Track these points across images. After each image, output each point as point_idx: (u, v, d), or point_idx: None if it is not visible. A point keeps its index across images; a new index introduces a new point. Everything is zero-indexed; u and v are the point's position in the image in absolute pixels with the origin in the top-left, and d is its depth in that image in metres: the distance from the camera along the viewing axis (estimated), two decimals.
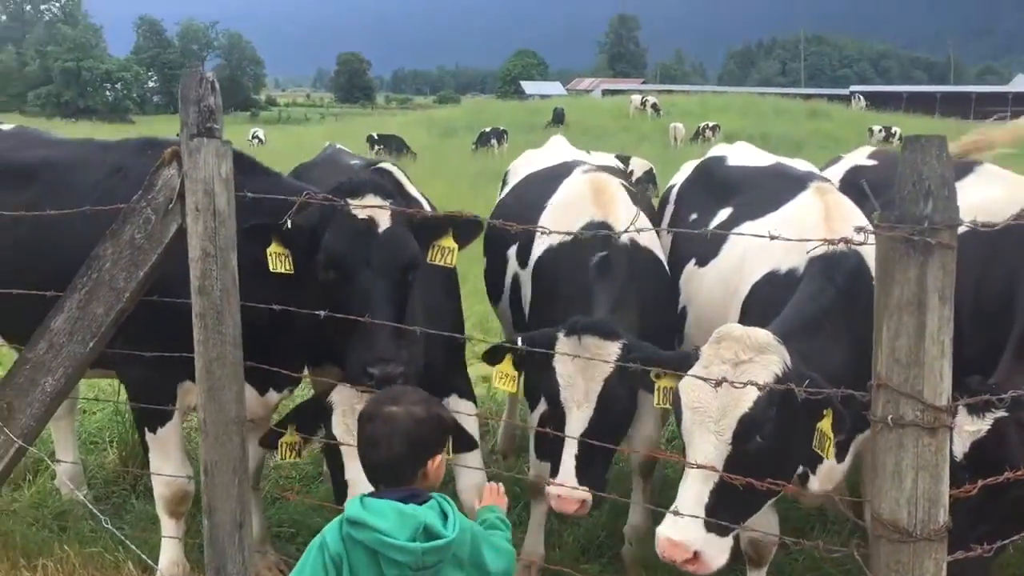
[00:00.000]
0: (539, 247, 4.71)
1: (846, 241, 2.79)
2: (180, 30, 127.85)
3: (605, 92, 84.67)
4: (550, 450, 3.94)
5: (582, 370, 3.79)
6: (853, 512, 2.58)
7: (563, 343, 3.85)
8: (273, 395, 4.31)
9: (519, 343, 3.97)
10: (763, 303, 3.94)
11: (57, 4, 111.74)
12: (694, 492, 3.13)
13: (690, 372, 3.28)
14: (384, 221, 3.71)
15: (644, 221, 4.52)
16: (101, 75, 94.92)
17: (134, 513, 5.21)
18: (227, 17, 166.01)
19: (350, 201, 3.68)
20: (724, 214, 4.80)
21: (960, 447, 3.18)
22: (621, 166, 6.86)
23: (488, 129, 38.01)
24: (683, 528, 3.09)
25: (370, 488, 2.76)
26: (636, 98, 54.10)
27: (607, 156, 6.90)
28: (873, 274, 2.95)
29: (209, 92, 3.35)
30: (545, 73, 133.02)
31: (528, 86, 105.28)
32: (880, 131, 43.90)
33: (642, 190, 5.78)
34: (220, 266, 3.33)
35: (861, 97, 64.79)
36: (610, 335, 3.83)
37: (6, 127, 5.38)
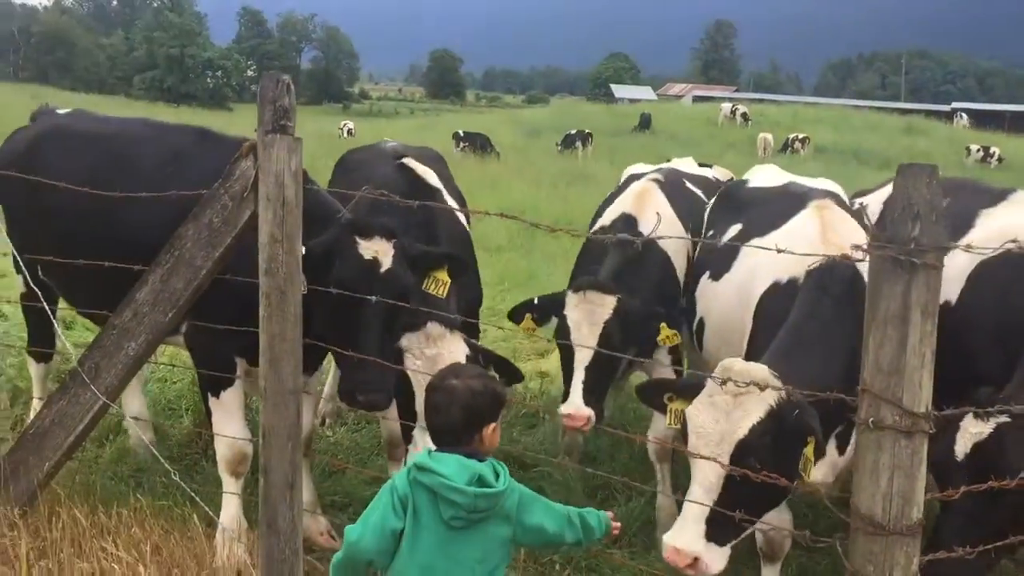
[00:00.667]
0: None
1: (843, 257, 3.01)
2: (280, 21, 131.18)
3: (696, 99, 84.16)
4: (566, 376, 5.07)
5: (587, 316, 4.96)
6: (838, 507, 2.80)
7: (571, 297, 5.05)
8: (311, 378, 4.94)
9: (535, 302, 5.27)
10: (768, 313, 4.34)
11: None
12: (695, 509, 3.49)
13: (698, 398, 3.66)
14: (387, 261, 4.31)
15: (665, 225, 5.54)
16: (203, 62, 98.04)
17: (204, 474, 5.63)
18: (326, 10, 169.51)
19: (359, 240, 4.27)
20: (734, 230, 5.22)
21: (962, 448, 3.42)
22: (705, 173, 7.42)
23: (573, 131, 38.27)
24: (685, 537, 3.47)
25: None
26: (726, 106, 53.70)
27: (688, 161, 7.90)
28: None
29: (284, 93, 3.70)
30: (636, 77, 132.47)
31: (618, 90, 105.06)
32: (978, 151, 42.72)
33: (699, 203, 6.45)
34: (286, 251, 3.68)
35: (964, 115, 62.76)
36: (607, 290, 5.00)
37: (63, 111, 5.91)
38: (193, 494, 4.52)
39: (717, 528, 3.47)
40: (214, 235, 3.92)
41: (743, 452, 3.46)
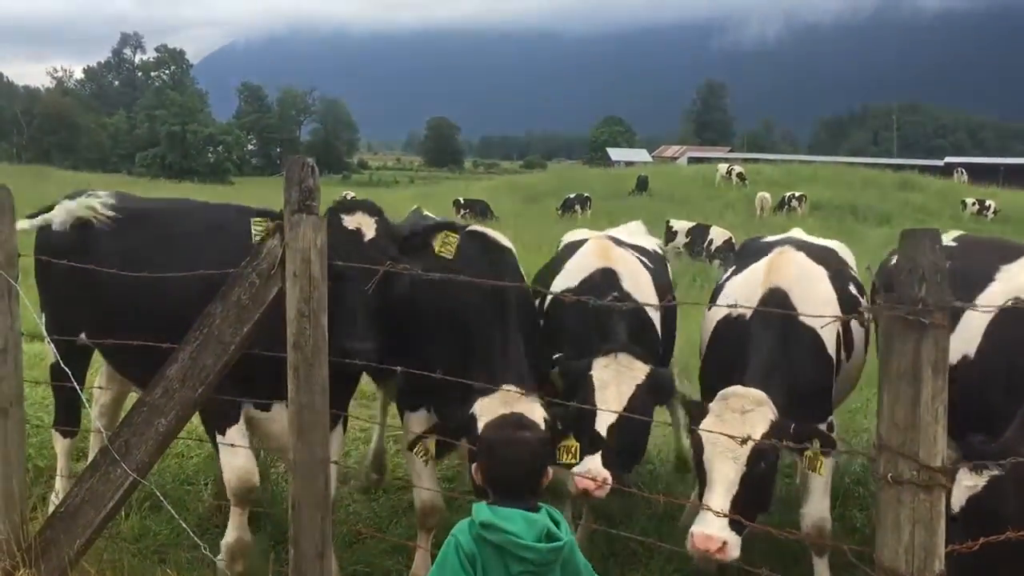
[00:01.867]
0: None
1: (857, 318, 3.14)
2: (280, 96, 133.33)
3: (691, 160, 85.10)
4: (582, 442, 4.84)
5: (616, 376, 4.87)
6: (861, 560, 2.88)
7: (599, 361, 4.92)
8: None
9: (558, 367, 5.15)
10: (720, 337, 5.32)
11: (167, 71, 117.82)
12: (719, 501, 4.27)
13: (705, 419, 4.51)
14: (369, 232, 4.71)
15: (646, 282, 5.74)
16: (204, 138, 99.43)
17: None
18: (324, 82, 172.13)
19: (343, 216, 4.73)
20: (731, 271, 5.99)
21: (957, 500, 3.57)
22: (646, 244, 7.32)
23: (572, 196, 38.76)
24: (713, 526, 4.19)
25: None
26: (722, 167, 54.25)
27: (684, 224, 7.86)
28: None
29: (309, 175, 3.87)
30: (632, 140, 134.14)
31: (614, 153, 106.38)
32: (974, 204, 43.10)
33: (662, 264, 6.63)
34: (313, 325, 3.81)
35: (964, 171, 63.15)
36: (640, 356, 4.97)
37: (102, 192, 6.14)
38: (219, 563, 4.58)
39: (735, 520, 4.21)
40: (242, 312, 4.05)
41: (758, 455, 4.34)
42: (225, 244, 4.94)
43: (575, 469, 4.70)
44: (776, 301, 4.96)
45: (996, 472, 3.51)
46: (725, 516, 4.20)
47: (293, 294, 3.83)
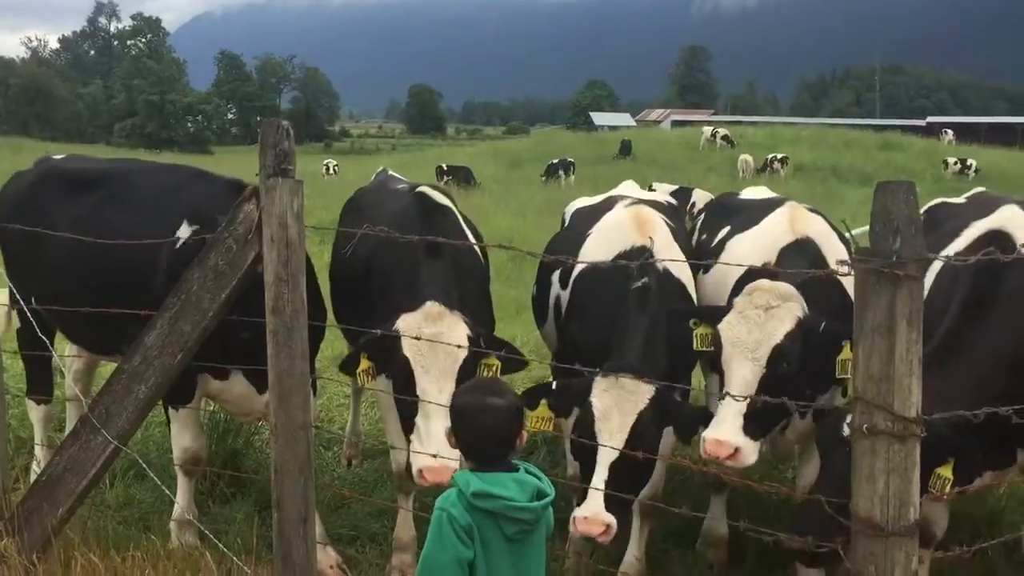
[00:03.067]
0: (577, 268, 5.19)
1: (829, 274, 3.15)
2: (259, 64, 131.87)
3: (674, 123, 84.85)
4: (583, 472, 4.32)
5: (617, 403, 4.19)
6: (837, 511, 2.91)
7: (599, 382, 4.25)
8: (266, 397, 4.87)
9: (553, 387, 4.48)
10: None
11: (143, 40, 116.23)
12: (735, 405, 4.07)
13: (727, 316, 4.28)
14: None
15: (677, 253, 5.04)
16: (183, 108, 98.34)
17: (210, 515, 5.72)
18: (304, 50, 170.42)
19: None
20: (724, 231, 5.66)
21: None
22: (673, 202, 7.17)
23: (556, 161, 38.57)
24: (726, 430, 4.05)
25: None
26: (707, 130, 54.15)
27: (667, 187, 7.61)
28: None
29: (284, 138, 3.84)
30: (615, 104, 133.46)
31: (597, 117, 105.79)
32: (955, 163, 43.23)
33: (684, 227, 6.26)
34: (291, 289, 3.80)
35: (950, 132, 63.00)
36: (644, 378, 4.22)
37: (59, 156, 6.18)
38: (204, 531, 4.60)
39: (751, 425, 4.07)
40: (220, 278, 4.03)
41: (779, 355, 4.12)
42: (176, 207, 5.02)
43: (576, 512, 4.11)
44: (811, 251, 4.72)
45: None
46: (740, 422, 4.04)
47: (271, 259, 3.82)
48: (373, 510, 5.82)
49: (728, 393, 4.15)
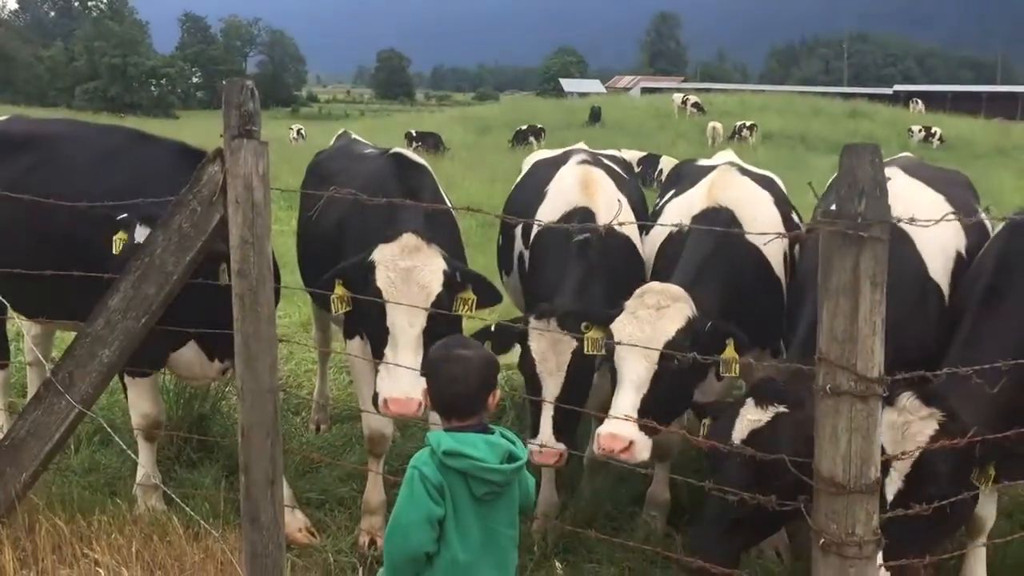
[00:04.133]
0: (535, 228, 5.49)
1: (794, 236, 3.18)
2: (224, 27, 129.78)
3: (644, 90, 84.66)
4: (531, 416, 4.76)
5: (552, 345, 4.58)
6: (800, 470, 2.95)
7: (535, 325, 4.64)
8: (218, 363, 5.14)
9: (493, 329, 4.76)
10: (665, 252, 5.20)
11: (104, 1, 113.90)
12: (628, 400, 4.24)
13: (620, 316, 4.40)
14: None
15: (626, 211, 5.31)
16: (146, 71, 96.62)
17: (177, 479, 5.70)
18: (270, 14, 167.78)
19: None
20: (668, 196, 5.93)
21: (739, 433, 3.91)
22: (625, 157, 7.35)
23: (525, 127, 38.39)
24: (620, 426, 4.18)
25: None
26: (678, 97, 54.14)
27: (635, 154, 7.76)
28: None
29: (249, 98, 3.77)
30: (585, 71, 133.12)
31: (567, 84, 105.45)
32: (920, 131, 43.62)
33: (636, 182, 6.46)
34: (257, 252, 3.75)
35: (919, 101, 63.29)
36: (575, 325, 4.55)
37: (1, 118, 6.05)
38: (172, 495, 4.59)
39: (645, 418, 4.20)
40: (184, 240, 3.98)
41: (671, 351, 4.25)
42: (116, 173, 4.96)
43: (530, 443, 4.46)
44: (721, 218, 4.90)
45: (780, 409, 3.87)
46: (634, 416, 4.18)
47: (236, 221, 3.77)
48: (342, 474, 5.83)
49: (621, 386, 4.34)
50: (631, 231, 5.33)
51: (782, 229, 5.19)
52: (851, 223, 2.69)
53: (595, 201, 5.32)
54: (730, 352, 4.33)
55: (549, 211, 5.50)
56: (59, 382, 4.20)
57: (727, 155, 6.73)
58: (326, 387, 7.16)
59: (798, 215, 5.77)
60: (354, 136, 7.75)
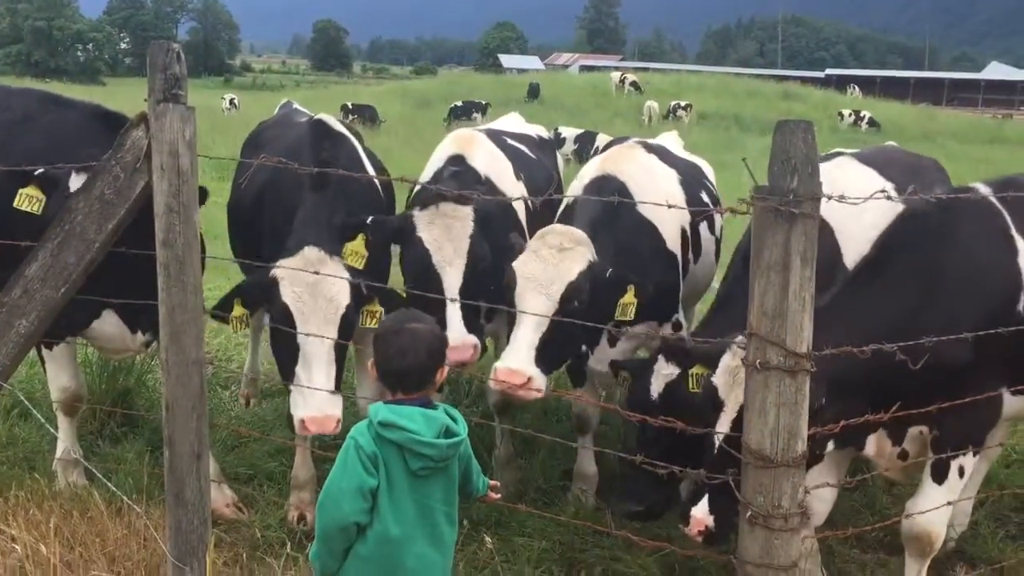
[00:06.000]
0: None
1: (731, 211, 3.17)
2: None
3: (583, 68, 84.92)
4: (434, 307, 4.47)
5: (446, 233, 4.54)
6: (729, 444, 2.99)
7: (420, 216, 4.59)
8: (141, 336, 4.98)
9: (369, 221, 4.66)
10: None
11: None
12: (527, 337, 4.23)
13: (521, 255, 4.42)
14: None
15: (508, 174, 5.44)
16: (72, 35, 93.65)
17: (100, 454, 5.56)
18: None
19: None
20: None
21: (656, 388, 4.31)
22: (545, 136, 7.22)
23: (461, 103, 38.04)
24: (519, 359, 4.18)
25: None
26: (615, 75, 54.32)
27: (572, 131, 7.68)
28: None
29: (175, 61, 3.64)
30: (524, 47, 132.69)
31: (506, 59, 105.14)
32: (850, 115, 44.46)
33: (547, 159, 6.55)
34: (183, 221, 3.64)
35: (856, 87, 64.28)
36: (463, 200, 4.59)
37: None
38: (95, 471, 4.47)
39: (543, 357, 4.22)
40: (106, 207, 3.84)
41: (572, 292, 4.28)
42: (28, 137, 4.75)
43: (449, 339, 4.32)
44: (609, 187, 4.89)
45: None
46: (532, 353, 4.18)
47: (161, 188, 3.65)
48: (270, 449, 5.74)
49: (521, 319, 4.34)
50: (518, 204, 5.33)
51: (681, 204, 5.18)
52: (783, 199, 2.70)
53: (471, 151, 5.28)
54: (629, 298, 4.39)
55: (428, 169, 5.40)
56: None
57: (671, 136, 6.79)
58: (257, 361, 7.03)
59: (713, 199, 5.82)
60: (296, 106, 7.61)
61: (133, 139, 3.77)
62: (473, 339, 4.46)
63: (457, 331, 4.42)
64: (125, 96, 33.72)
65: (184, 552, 3.72)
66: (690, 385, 4.06)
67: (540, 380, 4.20)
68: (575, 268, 4.33)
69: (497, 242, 4.72)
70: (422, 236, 4.57)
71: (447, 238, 4.55)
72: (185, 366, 3.70)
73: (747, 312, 2.80)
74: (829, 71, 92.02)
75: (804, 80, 69.17)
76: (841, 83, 68.91)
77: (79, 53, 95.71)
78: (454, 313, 4.48)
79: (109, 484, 4.33)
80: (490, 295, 4.66)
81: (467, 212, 4.61)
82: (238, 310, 4.44)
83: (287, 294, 4.29)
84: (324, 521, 2.97)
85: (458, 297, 4.51)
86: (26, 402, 4.61)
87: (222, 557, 4.53)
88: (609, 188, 4.87)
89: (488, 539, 4.29)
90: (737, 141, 31.37)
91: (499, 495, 3.47)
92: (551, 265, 4.32)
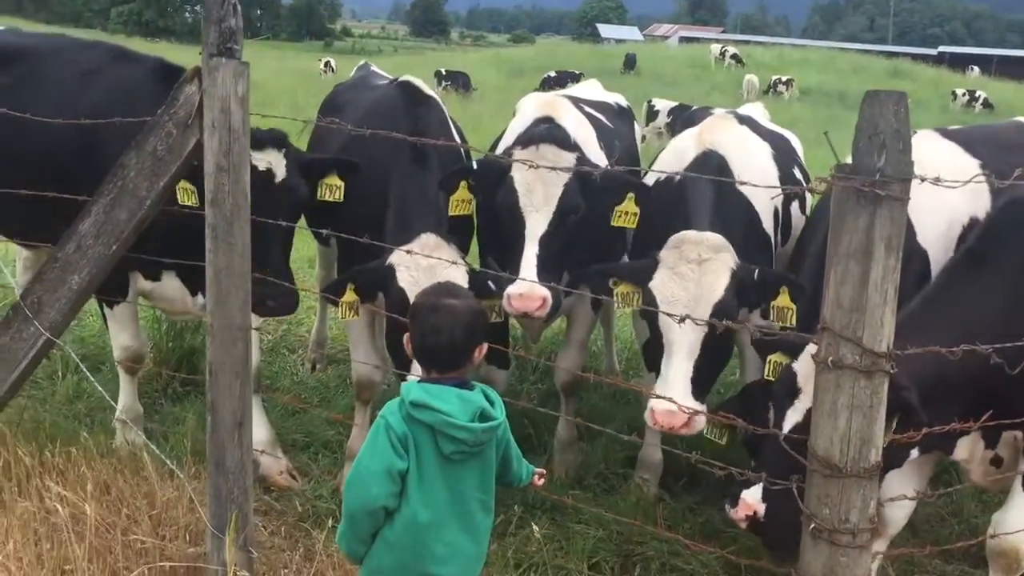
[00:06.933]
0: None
1: (809, 190, 2.89)
2: None
3: (682, 40, 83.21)
4: (510, 259, 4.29)
5: (541, 177, 4.18)
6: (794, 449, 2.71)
7: (520, 154, 4.26)
8: (200, 298, 4.83)
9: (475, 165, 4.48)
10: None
11: None
12: (681, 370, 3.87)
13: (657, 273, 3.98)
14: (280, 172, 4.38)
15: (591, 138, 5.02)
16: None
17: (162, 413, 5.55)
18: None
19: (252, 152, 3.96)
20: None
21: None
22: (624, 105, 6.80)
23: (554, 73, 37.45)
24: (678, 397, 3.75)
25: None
26: (715, 48, 53.04)
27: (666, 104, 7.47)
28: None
29: (231, 13, 3.50)
30: (623, 17, 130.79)
31: (604, 29, 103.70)
32: (964, 95, 42.46)
33: (626, 130, 6.07)
34: (232, 180, 3.51)
35: (976, 68, 61.20)
36: (566, 145, 4.33)
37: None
38: (139, 434, 4.43)
39: (699, 387, 3.88)
40: (158, 164, 3.74)
41: (721, 311, 3.83)
42: (96, 91, 4.72)
43: (509, 289, 4.10)
44: (711, 164, 4.50)
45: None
46: (688, 387, 3.83)
47: (211, 146, 3.52)
48: (330, 417, 5.66)
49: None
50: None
51: (775, 182, 4.85)
52: (868, 179, 2.40)
53: (559, 114, 4.89)
54: (784, 300, 3.88)
55: (511, 132, 5.06)
56: (28, 307, 4.00)
57: (757, 107, 6.42)
58: (325, 326, 6.96)
59: (805, 175, 5.44)
60: (373, 68, 7.48)
61: (186, 94, 3.65)
62: (543, 291, 4.05)
63: (529, 275, 4.11)
64: None
65: (223, 521, 3.62)
66: (767, 372, 3.71)
67: (701, 416, 3.80)
68: (720, 283, 3.92)
69: (593, 207, 4.40)
70: (514, 176, 4.27)
71: (540, 181, 4.22)
72: (230, 330, 3.58)
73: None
74: (942, 48, 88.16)
75: (915, 58, 66.33)
76: (955, 61, 65.74)
77: (187, 14, 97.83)
78: (529, 258, 4.15)
79: (153, 447, 4.27)
80: (577, 261, 4.40)
81: (568, 159, 4.30)
82: (349, 295, 4.31)
83: (404, 279, 4.14)
84: (351, 503, 2.81)
85: (538, 244, 4.16)
86: (74, 356, 4.59)
87: (270, 526, 4.47)
88: (712, 165, 4.49)
89: (535, 528, 4.09)
90: (840, 119, 30.16)
91: (543, 482, 3.26)
92: (693, 284, 3.91)
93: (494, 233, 4.67)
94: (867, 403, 2.48)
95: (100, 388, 4.26)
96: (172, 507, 4.14)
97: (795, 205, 5.14)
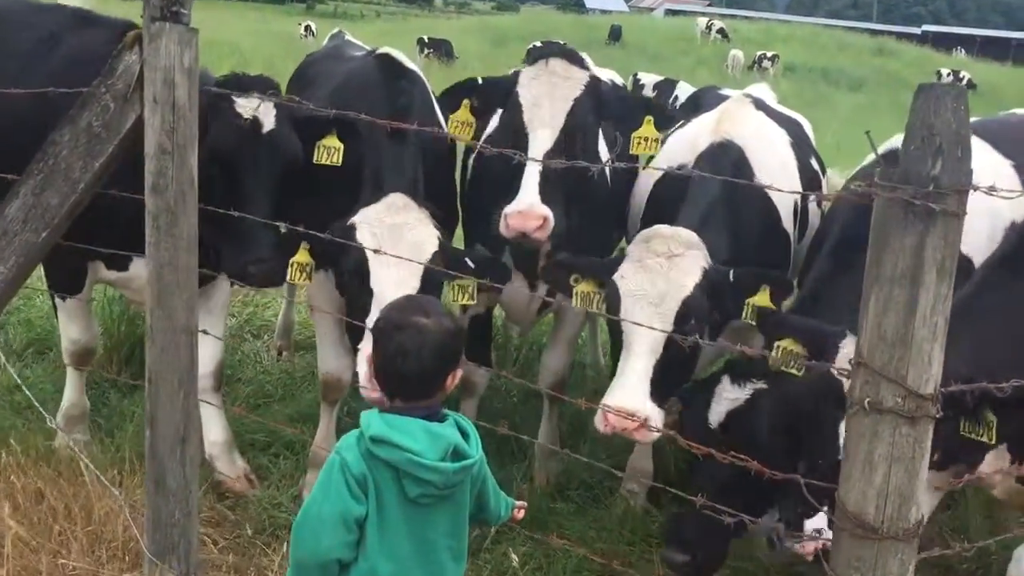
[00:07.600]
0: None
1: (847, 197, 2.51)
2: None
3: (668, 12, 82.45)
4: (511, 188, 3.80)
5: (549, 91, 3.82)
6: (817, 499, 2.35)
7: (525, 72, 3.91)
8: None
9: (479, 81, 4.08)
10: (659, 195, 4.33)
11: None
12: (638, 367, 3.53)
13: (622, 265, 3.68)
14: (268, 121, 3.84)
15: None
16: None
17: (110, 407, 5.14)
18: None
19: (235, 99, 3.68)
20: (676, 127, 4.92)
21: (716, 415, 3.51)
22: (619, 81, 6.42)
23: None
24: (633, 398, 3.50)
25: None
26: (702, 21, 52.41)
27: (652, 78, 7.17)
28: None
29: None
30: None
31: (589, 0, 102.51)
32: (948, 75, 42.20)
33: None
34: (177, 164, 3.09)
35: (962, 49, 60.78)
36: (577, 61, 3.97)
37: None
38: (84, 433, 4.03)
39: (658, 389, 3.54)
40: (94, 142, 3.29)
41: (688, 309, 3.57)
42: (56, 59, 4.22)
43: (507, 209, 3.70)
44: (728, 156, 4.13)
45: (759, 385, 3.45)
46: (646, 386, 3.49)
47: (152, 124, 3.09)
48: (294, 412, 5.27)
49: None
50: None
51: (797, 175, 4.49)
52: (920, 190, 2.01)
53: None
54: (763, 299, 3.57)
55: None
56: None
57: (763, 88, 5.97)
58: (292, 310, 6.53)
59: (819, 161, 5.06)
60: (348, 36, 7.02)
61: (125, 63, 3.21)
62: (544, 209, 3.66)
63: (530, 193, 3.70)
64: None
65: (163, 548, 3.23)
66: (774, 359, 3.30)
67: (656, 419, 3.49)
68: (689, 280, 3.61)
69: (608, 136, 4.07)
70: (519, 91, 3.88)
71: (548, 96, 3.84)
72: (172, 333, 3.18)
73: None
74: (926, 27, 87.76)
75: (899, 36, 65.93)
76: (938, 41, 65.40)
77: None
78: (531, 175, 3.72)
79: (95, 450, 3.87)
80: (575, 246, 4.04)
81: (580, 76, 3.91)
82: (303, 255, 3.85)
83: (365, 236, 3.69)
84: (299, 553, 2.40)
85: (541, 160, 3.73)
86: (1, 357, 4.16)
87: (222, 540, 4.07)
88: (729, 158, 4.11)
89: (514, 556, 3.72)
90: (825, 96, 29.94)
91: (523, 514, 2.87)
92: (660, 277, 3.60)
93: (489, 186, 4.20)
94: (909, 454, 2.10)
95: (28, 393, 3.82)
96: (111, 521, 3.75)
97: (813, 203, 4.75)
